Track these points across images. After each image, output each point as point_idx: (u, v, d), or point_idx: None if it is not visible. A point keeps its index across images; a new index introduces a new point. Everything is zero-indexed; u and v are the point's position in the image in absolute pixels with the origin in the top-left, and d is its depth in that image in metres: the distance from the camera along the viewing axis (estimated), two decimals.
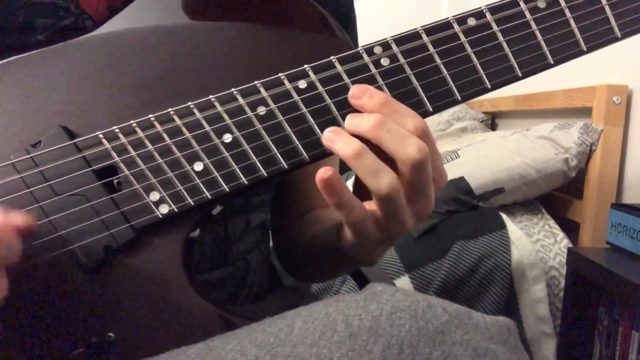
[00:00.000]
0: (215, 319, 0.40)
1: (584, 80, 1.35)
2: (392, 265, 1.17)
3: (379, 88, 0.41)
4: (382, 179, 0.37)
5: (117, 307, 0.38)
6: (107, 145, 0.39)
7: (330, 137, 0.38)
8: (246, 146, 0.40)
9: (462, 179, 1.28)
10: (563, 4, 0.42)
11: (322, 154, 0.41)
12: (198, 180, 0.39)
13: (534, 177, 1.26)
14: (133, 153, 0.39)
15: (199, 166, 0.39)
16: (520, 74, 0.42)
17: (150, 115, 0.39)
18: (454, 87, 0.42)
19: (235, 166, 0.40)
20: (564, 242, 1.24)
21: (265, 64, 0.42)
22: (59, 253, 0.38)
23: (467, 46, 0.41)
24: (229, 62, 0.42)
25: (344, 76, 0.41)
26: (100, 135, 0.39)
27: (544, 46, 0.42)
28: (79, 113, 0.40)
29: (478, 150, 1.40)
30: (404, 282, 1.14)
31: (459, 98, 0.42)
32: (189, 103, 0.40)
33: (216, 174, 0.40)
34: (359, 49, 0.41)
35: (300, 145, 0.40)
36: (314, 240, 0.56)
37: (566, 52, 0.43)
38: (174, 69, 0.41)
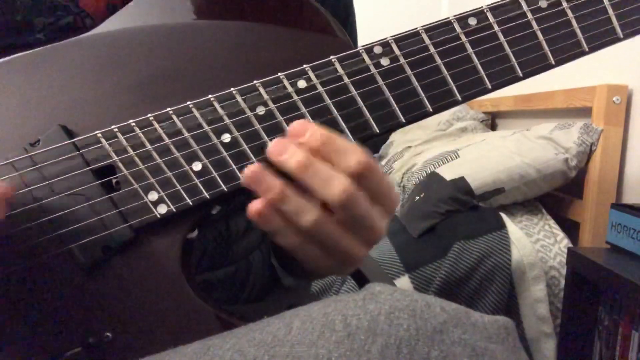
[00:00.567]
0: (213, 319, 0.40)
1: (584, 80, 1.35)
2: (392, 265, 1.17)
3: (379, 88, 0.41)
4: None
5: (115, 307, 0.38)
6: (105, 144, 0.39)
7: (251, 178, 0.36)
8: (245, 146, 0.40)
9: (462, 179, 1.28)
10: (565, 4, 0.42)
11: None
12: (197, 180, 0.39)
13: (534, 177, 1.26)
14: (132, 153, 0.39)
15: (197, 166, 0.39)
16: (521, 75, 0.42)
17: (149, 115, 0.39)
18: (454, 88, 0.41)
19: (234, 166, 0.40)
20: (564, 242, 1.24)
21: (265, 63, 0.42)
22: (57, 252, 0.37)
23: (468, 46, 0.41)
24: (228, 62, 0.42)
25: (344, 76, 0.40)
26: (99, 135, 0.39)
27: (545, 46, 0.42)
28: (77, 112, 0.40)
29: (478, 150, 1.40)
30: (404, 282, 1.14)
31: (460, 98, 0.42)
32: (188, 102, 0.39)
33: (215, 174, 0.40)
34: (358, 48, 0.41)
35: None
36: None
37: (568, 52, 0.42)
38: (173, 68, 0.41)
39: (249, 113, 0.40)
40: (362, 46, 0.41)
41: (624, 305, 1.00)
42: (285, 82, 0.40)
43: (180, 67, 0.41)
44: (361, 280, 0.77)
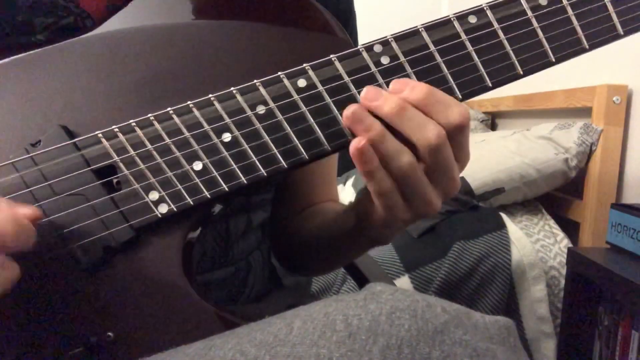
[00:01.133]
0: (214, 319, 0.40)
1: (584, 80, 1.35)
2: (392, 265, 1.17)
3: (379, 87, 0.41)
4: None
5: (116, 307, 0.38)
6: (106, 144, 0.39)
7: (351, 118, 0.39)
8: (245, 145, 0.40)
9: (462, 179, 1.28)
10: (565, 1, 0.42)
11: (321, 153, 0.41)
12: (197, 180, 0.39)
13: (534, 177, 1.26)
14: (132, 152, 0.39)
15: (198, 165, 0.39)
16: (521, 72, 0.42)
17: (149, 115, 0.39)
18: (454, 85, 0.41)
19: (234, 165, 0.40)
20: (564, 242, 1.24)
21: (265, 62, 0.42)
22: (58, 252, 0.37)
23: (468, 44, 0.41)
24: (228, 61, 0.42)
25: (344, 75, 0.40)
26: (100, 135, 0.39)
27: (545, 44, 0.42)
28: (78, 112, 0.40)
29: (478, 150, 1.40)
30: (404, 282, 1.14)
31: (460, 96, 0.42)
32: (188, 102, 0.39)
33: (215, 173, 0.40)
34: (359, 47, 0.41)
35: (299, 145, 0.40)
36: (320, 230, 0.56)
37: (568, 49, 0.42)
38: (173, 68, 0.41)
39: (249, 112, 0.40)
40: (362, 45, 0.41)
41: (624, 305, 1.00)
42: (286, 81, 0.40)
43: (180, 67, 0.41)
44: (361, 280, 0.77)
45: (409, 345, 0.31)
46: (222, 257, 0.54)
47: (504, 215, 1.25)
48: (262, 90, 0.40)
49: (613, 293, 1.03)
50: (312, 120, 0.40)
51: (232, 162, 0.40)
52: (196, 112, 0.39)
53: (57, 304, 0.38)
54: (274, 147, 0.40)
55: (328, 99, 0.40)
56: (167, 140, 0.39)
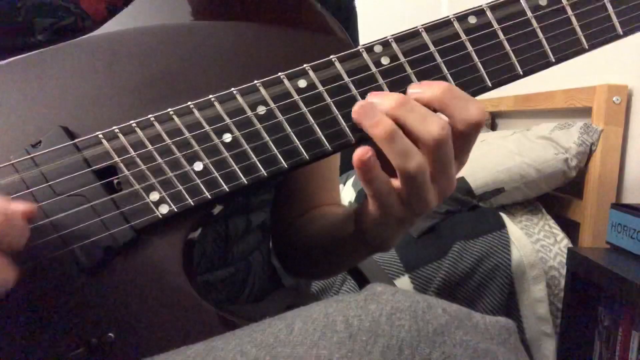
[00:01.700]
0: (215, 319, 0.40)
1: (584, 80, 1.35)
2: (392, 265, 1.17)
3: (379, 87, 0.41)
4: (413, 160, 0.37)
5: (117, 308, 0.38)
6: (106, 145, 0.39)
7: (360, 112, 0.39)
8: (246, 146, 0.40)
9: (462, 179, 1.28)
10: (564, 1, 0.42)
11: (322, 153, 0.41)
12: (198, 180, 0.39)
13: (534, 177, 1.26)
14: (133, 153, 0.39)
15: (198, 166, 0.39)
16: (521, 72, 0.42)
17: (150, 115, 0.39)
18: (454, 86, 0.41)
19: (235, 166, 0.40)
20: (564, 242, 1.24)
21: (265, 63, 0.42)
22: (58, 253, 0.37)
23: (468, 44, 0.41)
24: (228, 62, 0.42)
25: (344, 75, 0.40)
26: (100, 136, 0.39)
27: (545, 44, 0.42)
28: (78, 113, 0.40)
29: (478, 150, 1.40)
30: (404, 282, 1.14)
31: None
32: (189, 103, 0.39)
33: (216, 173, 0.40)
34: (359, 47, 0.41)
35: (300, 145, 0.40)
36: (320, 234, 0.56)
37: (567, 50, 0.42)
38: (173, 69, 0.41)
39: (249, 113, 0.40)
40: (363, 45, 0.41)
41: (624, 305, 1.00)
42: (286, 82, 0.40)
43: (180, 67, 0.41)
44: (361, 280, 0.77)
45: (410, 346, 0.31)
46: (222, 257, 0.54)
47: (504, 215, 1.25)
48: (262, 90, 0.40)
49: (613, 293, 1.03)
50: (312, 120, 0.40)
51: (233, 163, 0.40)
52: (197, 113, 0.39)
53: (58, 305, 0.38)
54: (274, 148, 0.40)
55: (328, 100, 0.40)
56: (168, 141, 0.39)
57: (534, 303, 1.16)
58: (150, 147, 0.39)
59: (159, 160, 0.39)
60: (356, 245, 0.50)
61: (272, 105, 0.40)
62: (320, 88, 0.40)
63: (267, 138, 0.40)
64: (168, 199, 0.39)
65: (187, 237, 0.41)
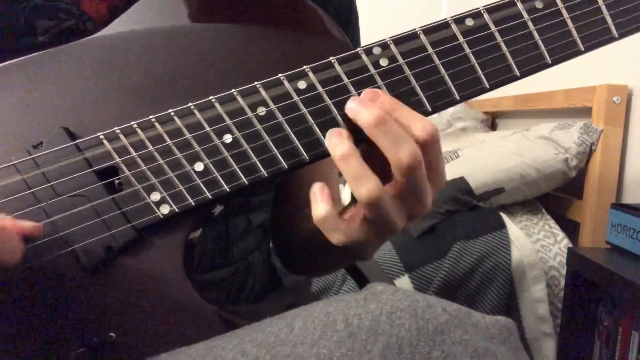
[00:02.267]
0: (215, 319, 0.40)
1: (584, 80, 1.35)
2: (392, 265, 1.17)
3: (378, 88, 0.41)
4: (363, 187, 0.36)
5: (118, 307, 0.39)
6: (108, 146, 0.39)
7: (328, 134, 0.38)
8: (246, 146, 0.40)
9: (462, 179, 1.28)
10: (560, 4, 0.42)
11: (322, 153, 0.41)
12: (199, 181, 0.40)
13: (534, 177, 1.26)
14: (134, 154, 0.39)
15: (199, 166, 0.40)
16: (518, 74, 0.42)
17: (151, 116, 0.39)
18: (452, 87, 0.42)
19: (235, 166, 0.40)
20: (564, 242, 1.24)
21: (265, 65, 0.42)
22: (60, 253, 0.38)
23: (466, 46, 0.42)
24: (228, 64, 0.42)
25: (343, 77, 0.41)
26: (101, 136, 0.39)
27: (541, 46, 0.42)
28: (80, 114, 0.40)
29: (478, 150, 1.40)
30: (404, 282, 1.15)
31: (458, 98, 0.42)
32: (190, 104, 0.40)
33: (217, 174, 0.40)
34: (358, 49, 0.41)
35: (300, 146, 0.40)
36: (313, 234, 0.56)
37: (564, 52, 0.43)
38: (175, 71, 0.41)
39: (249, 113, 0.40)
40: (362, 47, 0.41)
41: (624, 305, 1.00)
42: (286, 83, 0.40)
43: (181, 69, 0.42)
44: (361, 280, 0.77)
45: (409, 345, 0.31)
46: (222, 257, 0.55)
47: (504, 215, 1.25)
48: (262, 92, 0.40)
49: (613, 293, 1.03)
50: (312, 121, 0.40)
51: (233, 163, 0.40)
52: (197, 114, 0.40)
53: (59, 305, 0.38)
54: (274, 148, 0.40)
55: (328, 100, 0.41)
56: (169, 142, 0.39)
57: (533, 303, 1.16)
58: (151, 147, 0.39)
59: (160, 160, 0.39)
60: (336, 253, 0.49)
61: (272, 106, 0.40)
62: (320, 89, 0.41)
63: (267, 138, 0.40)
64: (169, 199, 0.39)
65: (187, 237, 0.41)
